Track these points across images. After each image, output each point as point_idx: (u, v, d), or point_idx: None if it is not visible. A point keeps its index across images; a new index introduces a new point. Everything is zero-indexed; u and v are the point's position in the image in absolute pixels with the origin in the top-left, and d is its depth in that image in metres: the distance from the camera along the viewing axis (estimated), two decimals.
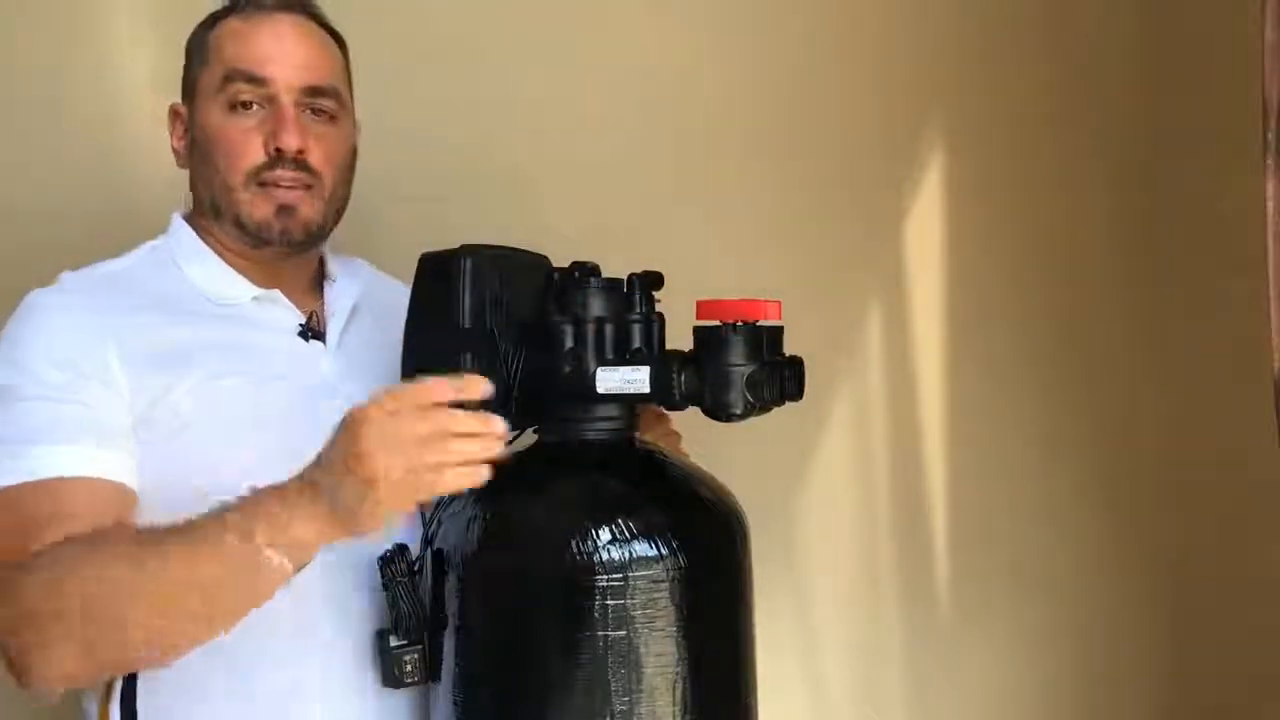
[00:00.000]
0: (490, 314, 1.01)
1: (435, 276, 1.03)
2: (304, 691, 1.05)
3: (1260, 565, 1.84)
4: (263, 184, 1.11)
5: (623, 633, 0.94)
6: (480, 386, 0.90)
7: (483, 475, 0.89)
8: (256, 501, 0.92)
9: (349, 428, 0.89)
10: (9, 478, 0.99)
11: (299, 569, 0.92)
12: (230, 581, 0.92)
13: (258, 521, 0.91)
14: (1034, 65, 1.96)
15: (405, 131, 1.40)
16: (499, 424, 0.90)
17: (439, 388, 0.89)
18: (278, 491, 0.92)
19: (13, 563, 0.95)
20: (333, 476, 0.89)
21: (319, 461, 0.91)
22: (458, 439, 0.89)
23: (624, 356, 1.01)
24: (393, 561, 1.03)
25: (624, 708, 0.93)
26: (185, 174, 1.20)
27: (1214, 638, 1.92)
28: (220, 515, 0.92)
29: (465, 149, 1.67)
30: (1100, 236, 1.98)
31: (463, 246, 1.02)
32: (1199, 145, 1.91)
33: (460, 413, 0.89)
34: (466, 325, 1.00)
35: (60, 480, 0.99)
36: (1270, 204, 1.15)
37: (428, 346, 1.03)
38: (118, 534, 0.97)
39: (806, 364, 1.02)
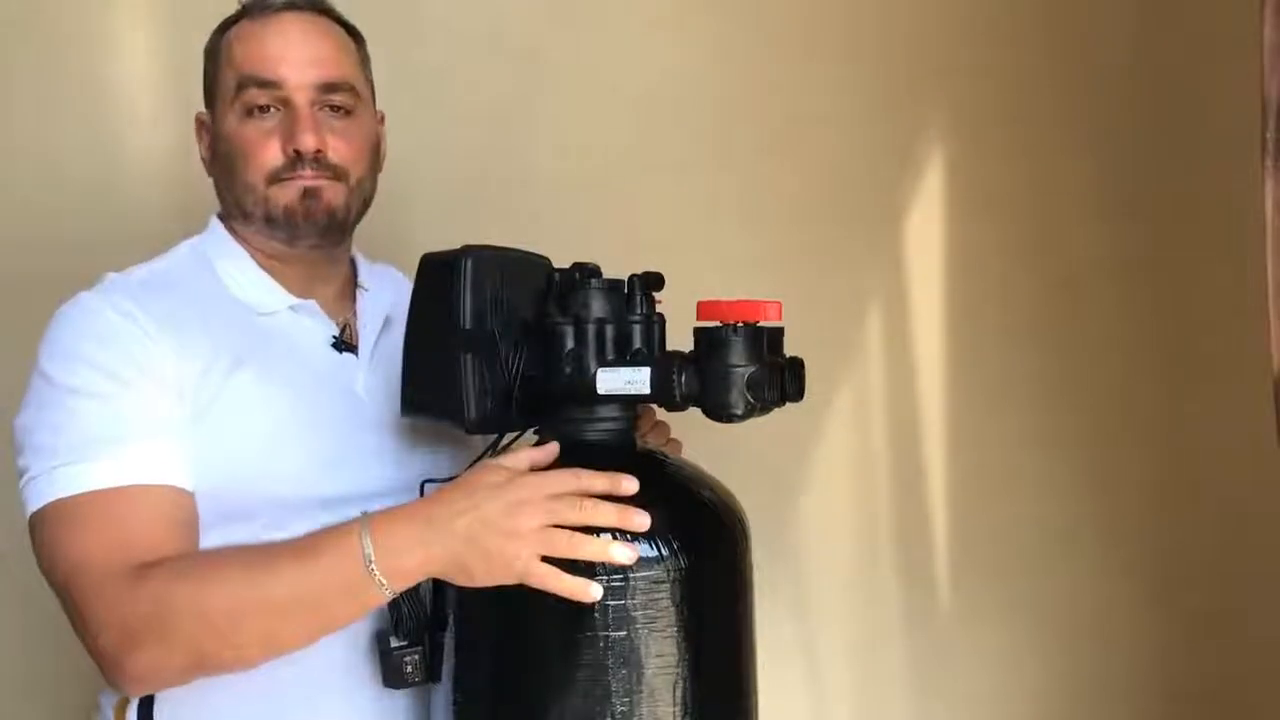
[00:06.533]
0: (491, 314, 1.01)
1: (436, 277, 1.03)
2: (304, 691, 1.05)
3: (1260, 566, 1.84)
4: (284, 181, 1.11)
5: (623, 633, 0.94)
6: (630, 485, 0.94)
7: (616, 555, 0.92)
8: (370, 526, 0.94)
9: (502, 487, 0.93)
10: (89, 482, 0.98)
11: (399, 592, 0.95)
12: (338, 597, 0.95)
13: (370, 547, 0.93)
14: (1034, 65, 1.95)
15: (405, 132, 1.39)
16: (642, 519, 0.93)
17: (597, 479, 0.94)
18: (390, 519, 0.95)
19: (116, 571, 0.95)
20: (467, 521, 0.92)
21: (446, 500, 0.94)
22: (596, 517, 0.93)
23: (625, 357, 1.01)
24: None
25: (624, 708, 0.93)
26: (184, 173, 1.20)
27: (1213, 637, 1.92)
28: (333, 535, 0.95)
29: (465, 150, 1.67)
30: (1099, 236, 1.98)
31: (463, 247, 1.02)
32: (1198, 145, 1.91)
33: (605, 504, 0.93)
34: (467, 325, 1.00)
35: (136, 487, 0.98)
36: (1270, 204, 1.14)
37: (428, 347, 1.03)
38: (228, 549, 0.99)
39: (806, 364, 1.03)
